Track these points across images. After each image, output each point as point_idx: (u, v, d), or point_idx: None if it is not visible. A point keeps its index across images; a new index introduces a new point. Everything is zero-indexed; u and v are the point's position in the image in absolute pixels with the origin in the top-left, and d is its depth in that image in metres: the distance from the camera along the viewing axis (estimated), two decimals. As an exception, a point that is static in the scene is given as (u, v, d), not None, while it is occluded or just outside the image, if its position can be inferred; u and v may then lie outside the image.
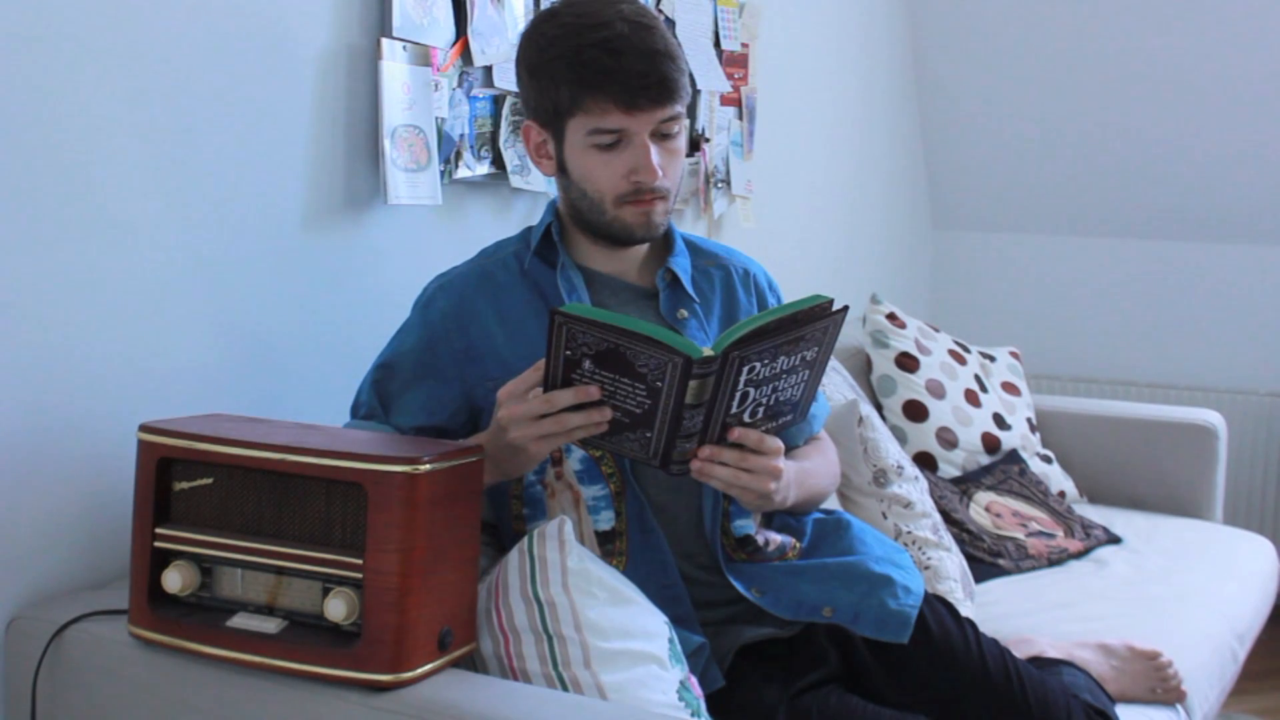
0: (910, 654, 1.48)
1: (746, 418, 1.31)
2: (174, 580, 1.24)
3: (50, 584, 1.40)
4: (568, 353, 1.23)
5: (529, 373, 1.29)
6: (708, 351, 1.21)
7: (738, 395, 1.27)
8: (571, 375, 1.24)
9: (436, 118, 1.82)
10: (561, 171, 1.47)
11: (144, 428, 1.27)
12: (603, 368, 1.23)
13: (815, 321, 1.27)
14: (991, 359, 2.89)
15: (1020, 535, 2.41)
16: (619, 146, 1.42)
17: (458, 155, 1.88)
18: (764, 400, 1.31)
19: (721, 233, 2.65)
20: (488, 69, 1.93)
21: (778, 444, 1.34)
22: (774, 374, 1.29)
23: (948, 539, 2.13)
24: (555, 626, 1.26)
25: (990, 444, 2.67)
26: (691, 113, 2.46)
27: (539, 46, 1.43)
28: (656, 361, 1.20)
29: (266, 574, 1.23)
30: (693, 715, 1.27)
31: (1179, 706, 1.83)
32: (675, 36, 1.46)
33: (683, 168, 1.49)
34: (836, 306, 1.28)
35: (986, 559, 2.30)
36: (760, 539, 1.51)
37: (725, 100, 2.61)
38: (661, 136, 1.43)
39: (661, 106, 1.40)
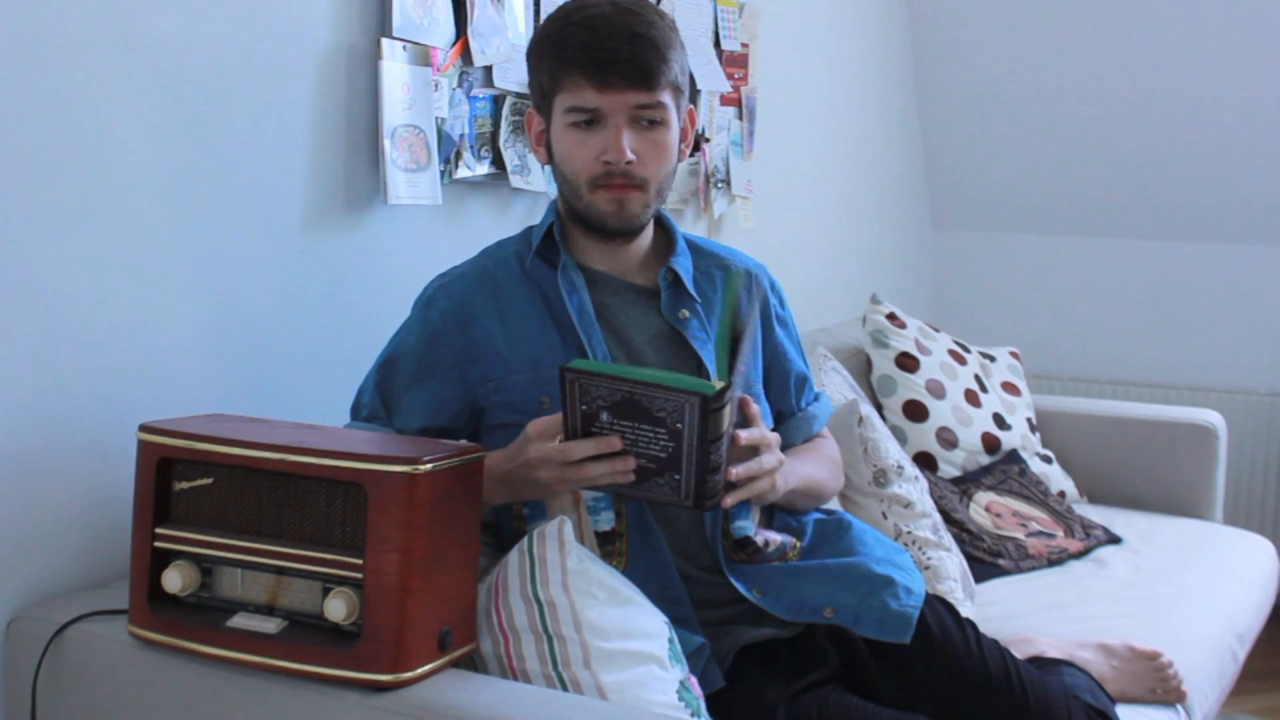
0: (911, 654, 1.48)
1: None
2: (174, 580, 1.24)
3: (50, 584, 1.40)
4: (583, 407, 1.24)
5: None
6: (720, 384, 1.22)
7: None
8: (591, 429, 1.26)
9: (436, 118, 1.82)
10: (551, 157, 1.49)
11: (144, 428, 1.27)
12: (621, 418, 1.24)
13: None
14: (991, 359, 2.89)
15: (1020, 535, 2.41)
16: (594, 127, 1.43)
17: (458, 155, 1.88)
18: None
19: (721, 233, 2.65)
20: (488, 69, 1.93)
21: (776, 437, 1.39)
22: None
23: (948, 539, 2.13)
24: (555, 627, 1.26)
25: (990, 444, 2.67)
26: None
27: (537, 33, 1.48)
28: (674, 404, 1.21)
29: (266, 574, 1.23)
30: (693, 715, 1.27)
31: (1179, 706, 1.83)
32: (677, 33, 1.46)
33: (672, 164, 1.48)
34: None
35: (986, 559, 2.30)
36: (760, 540, 1.51)
37: (725, 100, 2.61)
38: (642, 125, 1.43)
39: (635, 88, 1.40)
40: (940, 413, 2.63)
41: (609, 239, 1.50)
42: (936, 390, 2.65)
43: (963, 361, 2.78)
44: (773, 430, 1.60)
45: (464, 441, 1.33)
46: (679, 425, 1.23)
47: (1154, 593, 2.19)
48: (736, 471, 1.31)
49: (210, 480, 1.25)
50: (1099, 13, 3.28)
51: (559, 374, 1.23)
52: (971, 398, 2.71)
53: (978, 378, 2.79)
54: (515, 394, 1.47)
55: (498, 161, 1.96)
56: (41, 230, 1.36)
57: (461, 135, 1.89)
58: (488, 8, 1.90)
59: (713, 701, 1.38)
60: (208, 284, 1.55)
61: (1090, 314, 3.58)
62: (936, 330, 2.83)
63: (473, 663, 1.29)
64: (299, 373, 1.68)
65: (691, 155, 2.45)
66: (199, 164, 1.53)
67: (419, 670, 1.17)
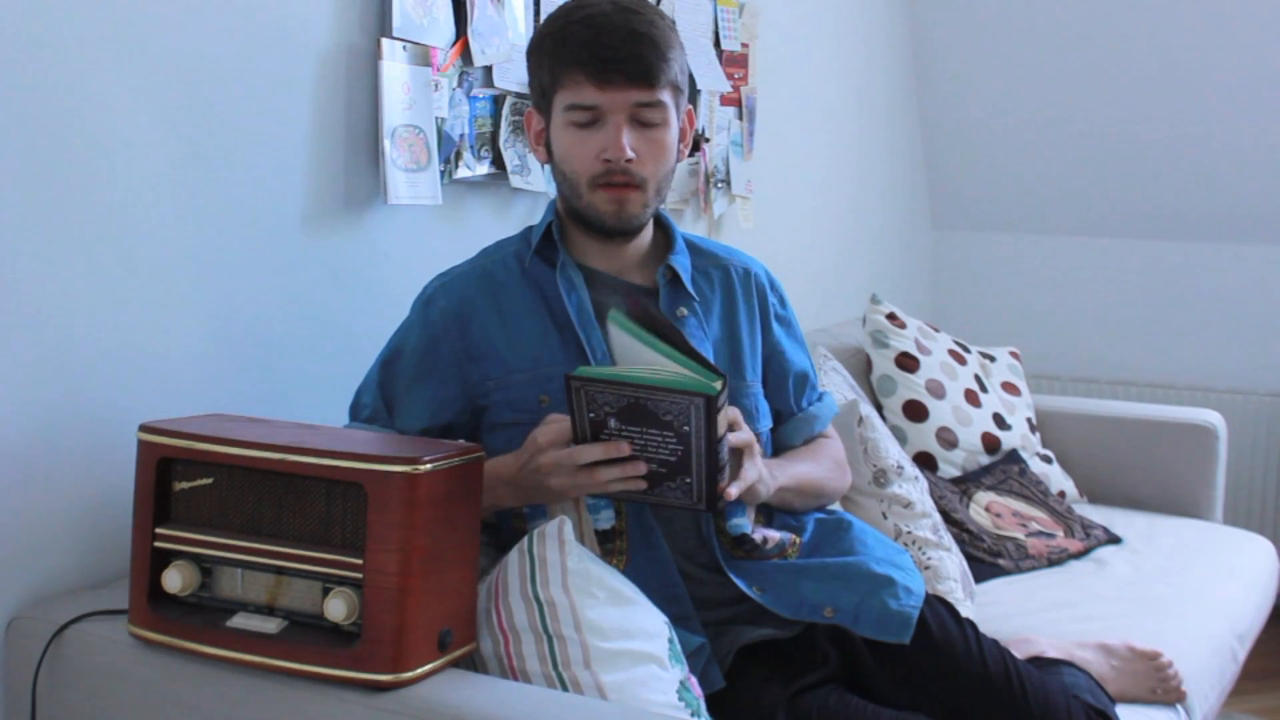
0: (911, 655, 1.48)
1: None
2: (174, 580, 1.24)
3: (50, 584, 1.40)
4: (591, 415, 1.25)
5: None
6: (717, 382, 1.22)
7: None
8: (600, 436, 1.27)
9: (436, 118, 1.82)
10: (551, 156, 1.49)
11: (144, 428, 1.27)
12: (629, 423, 1.25)
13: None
14: (991, 359, 2.89)
15: (1020, 535, 2.41)
16: (595, 125, 1.43)
17: (458, 155, 1.88)
18: None
19: (721, 233, 2.65)
20: (488, 69, 1.93)
21: (737, 411, 1.40)
22: None
23: (948, 539, 2.13)
24: (555, 626, 1.26)
25: (990, 444, 2.67)
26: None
27: (538, 32, 1.48)
28: (679, 407, 1.22)
29: (266, 574, 1.23)
30: (693, 715, 1.27)
31: (1179, 707, 1.83)
32: (676, 33, 1.46)
33: (671, 163, 1.48)
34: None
35: (986, 559, 2.30)
36: (758, 537, 1.51)
37: (725, 100, 2.61)
38: (641, 123, 1.43)
39: (636, 86, 1.41)
40: (940, 413, 2.63)
41: (608, 238, 1.50)
42: (936, 390, 2.65)
43: (963, 361, 2.78)
44: (772, 429, 1.60)
45: (463, 441, 1.33)
46: (686, 428, 1.23)
47: (1154, 593, 2.19)
48: (732, 438, 1.32)
49: (210, 480, 1.25)
50: (1100, 14, 3.28)
51: (564, 383, 1.24)
52: (971, 398, 2.71)
53: (978, 378, 2.79)
54: (515, 393, 1.47)
55: (498, 161, 1.96)
56: (41, 231, 1.36)
57: (461, 135, 1.89)
58: (488, 8, 1.90)
59: (713, 701, 1.38)
60: (208, 284, 1.55)
61: (1090, 314, 3.58)
62: (936, 330, 2.83)
63: (473, 663, 1.29)
64: (299, 372, 1.68)
65: (691, 155, 2.46)
66: (199, 164, 1.53)
67: (419, 670, 1.17)
